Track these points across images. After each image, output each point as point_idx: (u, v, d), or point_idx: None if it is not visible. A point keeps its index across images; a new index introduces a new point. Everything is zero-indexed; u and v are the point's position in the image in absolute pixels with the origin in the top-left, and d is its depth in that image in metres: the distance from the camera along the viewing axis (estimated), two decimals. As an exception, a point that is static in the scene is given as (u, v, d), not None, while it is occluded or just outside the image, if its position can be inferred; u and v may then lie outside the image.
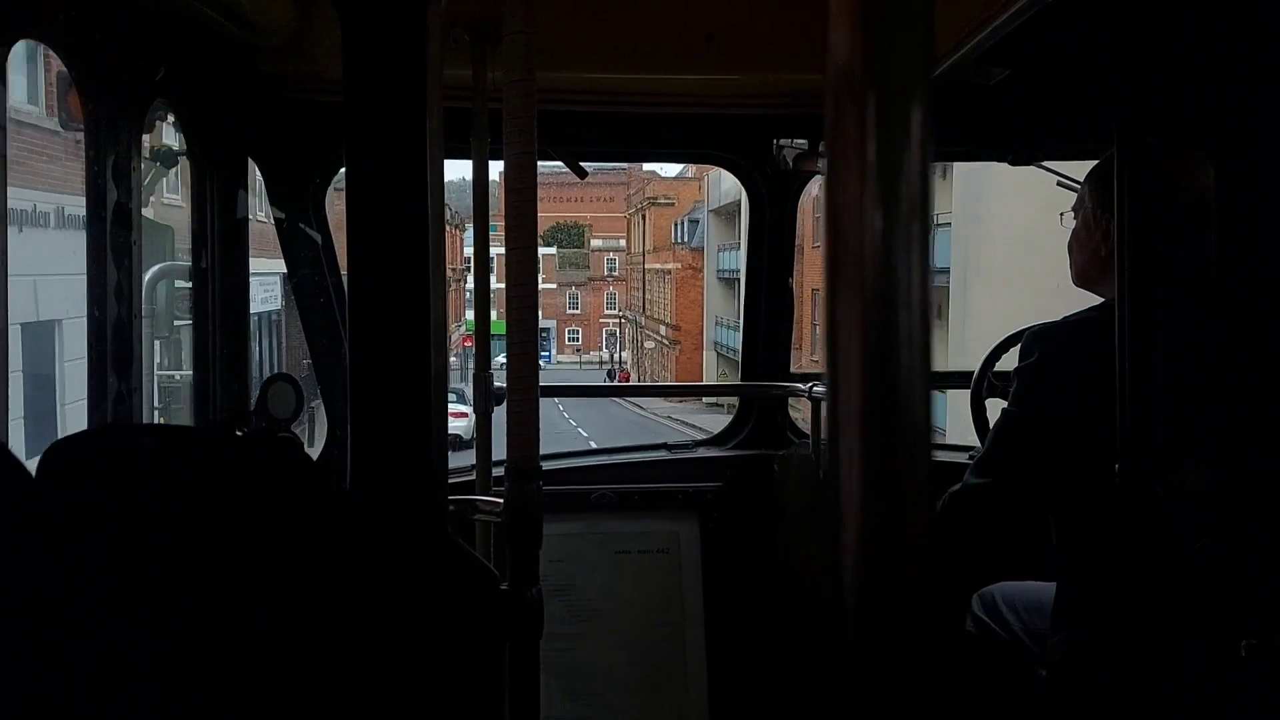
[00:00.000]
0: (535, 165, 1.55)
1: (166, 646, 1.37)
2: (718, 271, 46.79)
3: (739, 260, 39.08)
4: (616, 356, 66.66)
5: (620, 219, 77.10)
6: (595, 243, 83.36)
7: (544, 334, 76.17)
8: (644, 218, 61.90)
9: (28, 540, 1.37)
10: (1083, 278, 2.43)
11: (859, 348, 0.50)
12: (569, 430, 30.87)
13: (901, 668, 0.51)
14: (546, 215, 78.00)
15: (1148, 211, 2.18)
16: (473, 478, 2.46)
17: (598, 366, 68.48)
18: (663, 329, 55.15)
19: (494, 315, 2.68)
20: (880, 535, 0.51)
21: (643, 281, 63.29)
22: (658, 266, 58.48)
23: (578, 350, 77.49)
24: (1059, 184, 2.74)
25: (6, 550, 1.37)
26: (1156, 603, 2.06)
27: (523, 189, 1.54)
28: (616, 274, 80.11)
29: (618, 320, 72.94)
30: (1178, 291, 2.21)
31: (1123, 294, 2.20)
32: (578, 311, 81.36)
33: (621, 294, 76.91)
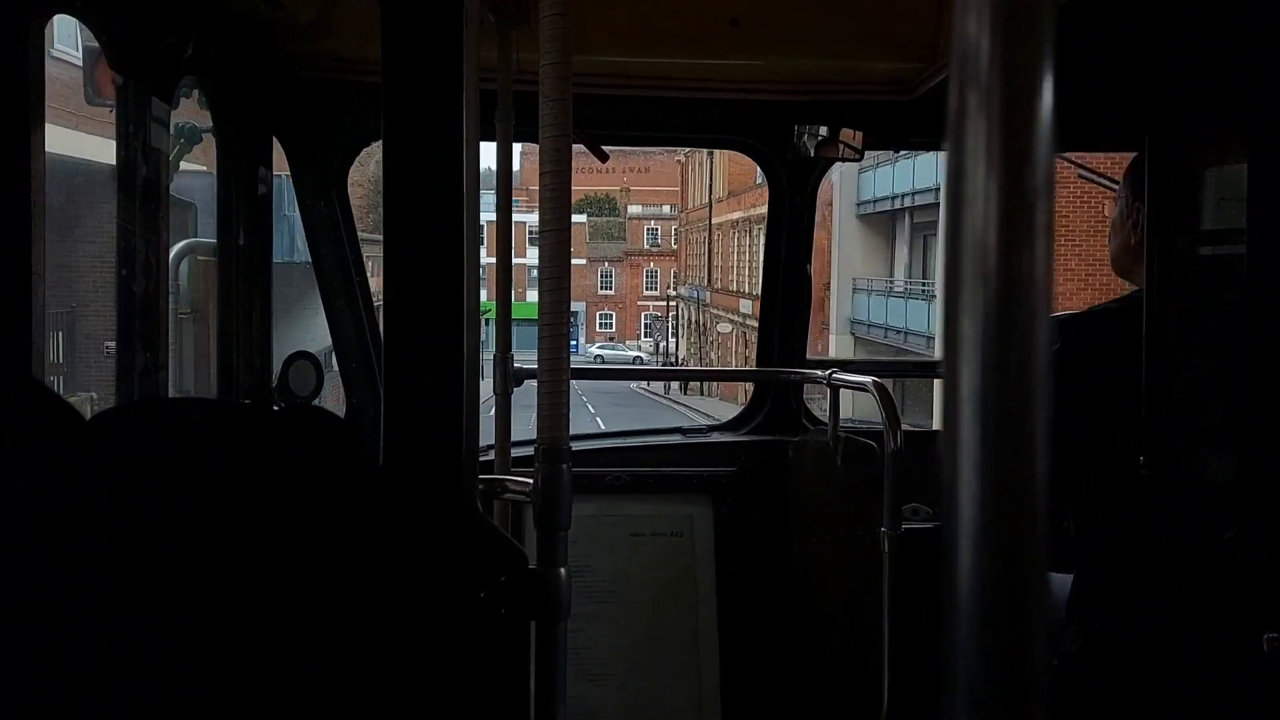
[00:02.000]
0: (570, 148, 1.67)
1: (211, 615, 1.54)
2: (856, 205, 33.52)
3: (901, 182, 29.04)
4: (668, 346, 59.25)
5: (660, 191, 71.42)
6: (633, 209, 75.82)
7: (571, 317, 72.87)
8: (710, 153, 49.31)
9: (70, 511, 1.53)
10: (1117, 265, 2.66)
11: (979, 337, 0.54)
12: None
13: (1019, 661, 0.55)
14: (575, 189, 74.58)
15: (1176, 205, 2.38)
16: (490, 458, 2.70)
17: (633, 361, 59.20)
18: (744, 305, 43.41)
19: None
20: (997, 527, 0.54)
21: (708, 242, 53.09)
22: (738, 216, 47.16)
23: (610, 339, 72.17)
24: (1080, 176, 2.94)
25: (51, 521, 1.52)
26: (1178, 595, 2.25)
27: (558, 171, 1.65)
28: (659, 247, 74.18)
29: (663, 303, 66.11)
30: (1206, 283, 2.41)
31: (1151, 285, 2.40)
32: (611, 292, 75.92)
33: (665, 271, 70.49)
